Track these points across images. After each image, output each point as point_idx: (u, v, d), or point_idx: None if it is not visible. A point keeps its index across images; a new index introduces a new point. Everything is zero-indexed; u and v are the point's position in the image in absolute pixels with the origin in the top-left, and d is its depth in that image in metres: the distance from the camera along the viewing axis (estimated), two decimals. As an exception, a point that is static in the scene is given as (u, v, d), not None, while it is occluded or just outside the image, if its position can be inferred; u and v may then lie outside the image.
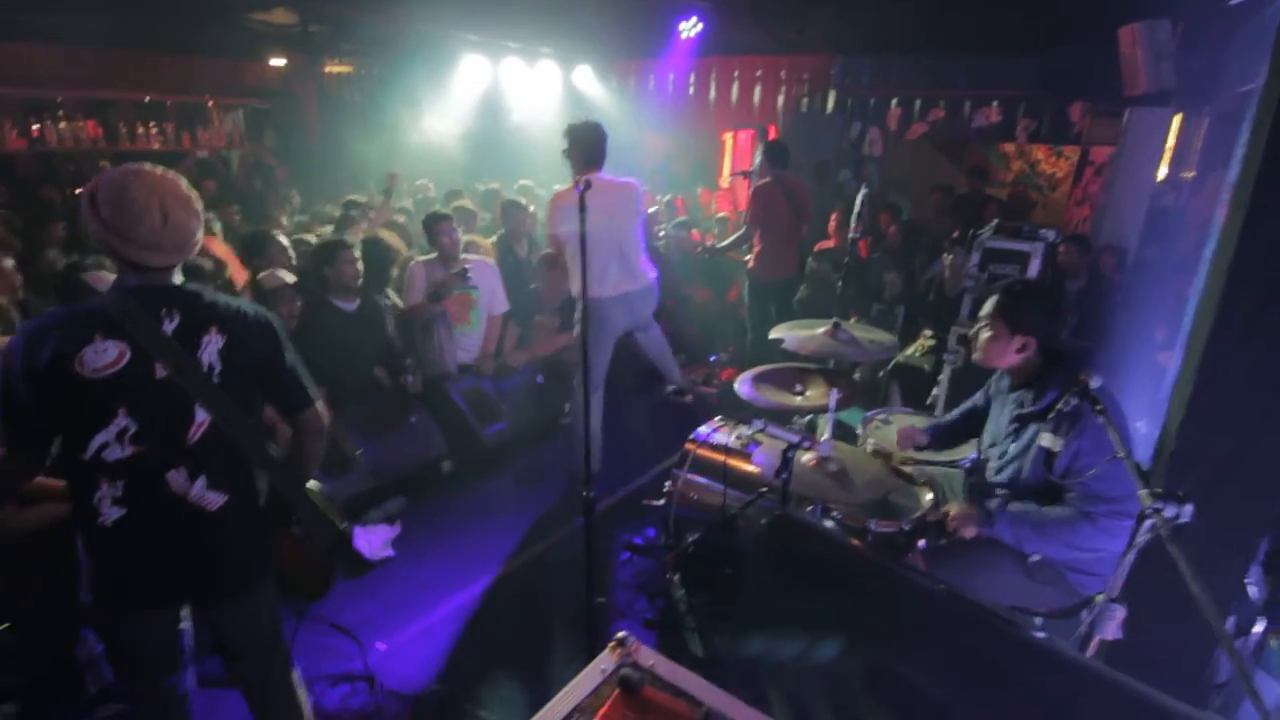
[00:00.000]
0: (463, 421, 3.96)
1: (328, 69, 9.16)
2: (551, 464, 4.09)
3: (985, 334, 2.15)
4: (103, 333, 1.47)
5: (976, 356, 2.19)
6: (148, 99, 7.78)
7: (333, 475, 3.31)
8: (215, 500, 1.59)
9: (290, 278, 3.38)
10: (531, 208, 5.59)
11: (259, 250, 3.77)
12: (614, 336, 3.68)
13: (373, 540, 3.26)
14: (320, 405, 1.78)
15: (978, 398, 2.47)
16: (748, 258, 5.01)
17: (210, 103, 8.32)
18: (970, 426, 2.46)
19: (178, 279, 1.61)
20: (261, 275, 3.33)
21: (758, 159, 4.98)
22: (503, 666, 2.64)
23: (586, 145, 3.44)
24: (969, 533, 2.10)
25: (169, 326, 1.53)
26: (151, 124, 7.56)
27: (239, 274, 3.94)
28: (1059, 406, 1.81)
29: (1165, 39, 4.62)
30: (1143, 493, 1.43)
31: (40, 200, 6.31)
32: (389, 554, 3.22)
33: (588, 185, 2.02)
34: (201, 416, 1.55)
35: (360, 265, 3.60)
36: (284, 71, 8.95)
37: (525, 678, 2.59)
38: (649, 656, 1.06)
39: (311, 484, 1.84)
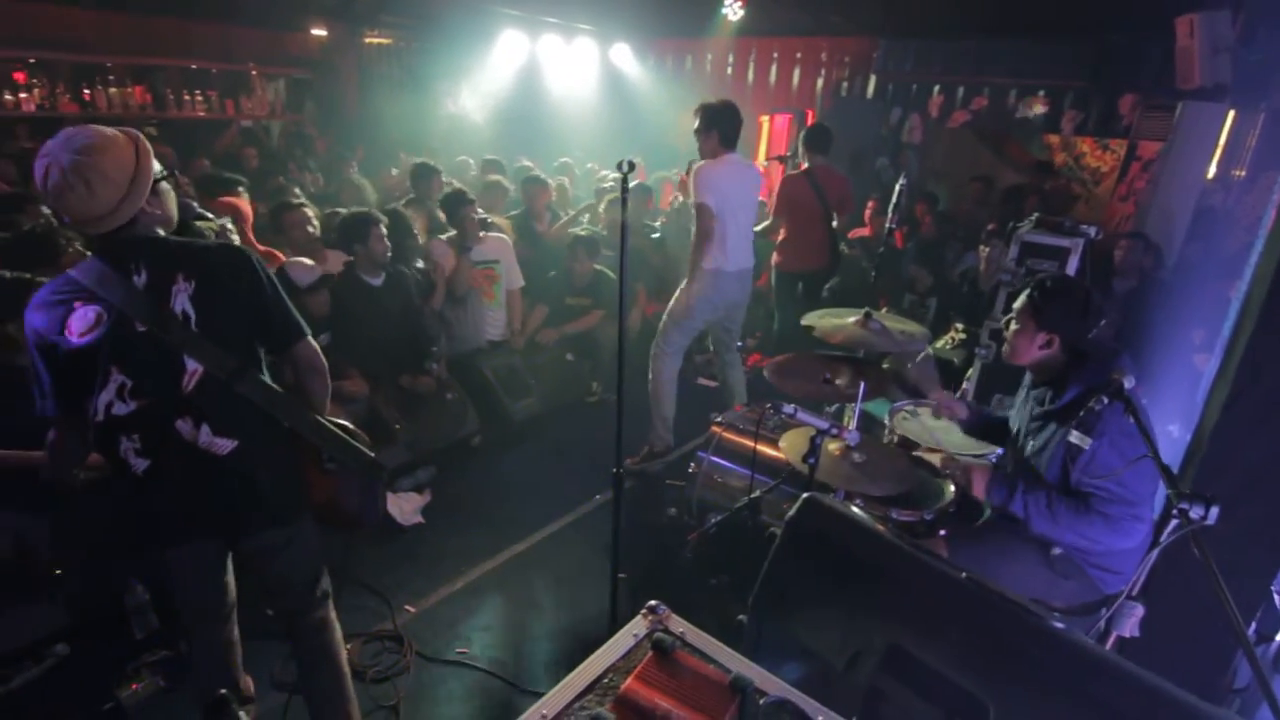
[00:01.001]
0: (493, 396, 4.05)
1: (368, 40, 9.23)
2: (578, 439, 4.16)
3: (1013, 327, 2.15)
4: (81, 299, 1.52)
5: (1005, 352, 2.19)
6: (194, 66, 7.92)
7: (373, 447, 3.40)
8: (224, 445, 1.61)
9: (319, 270, 3.36)
10: (567, 183, 5.60)
11: (282, 225, 3.82)
12: (720, 311, 3.76)
13: (404, 506, 3.40)
14: (311, 342, 1.76)
15: (1012, 414, 2.46)
16: (775, 247, 4.97)
17: (254, 72, 8.44)
18: (1001, 432, 2.44)
19: (153, 231, 1.61)
20: (288, 265, 3.31)
21: (799, 144, 4.93)
22: (526, 634, 2.73)
23: (727, 124, 3.55)
24: (979, 489, 2.10)
25: (139, 281, 1.54)
26: (197, 91, 7.70)
27: (250, 241, 3.95)
28: (1091, 405, 1.81)
29: (1224, 31, 4.46)
30: (1170, 492, 1.44)
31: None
32: (419, 520, 3.35)
33: (631, 166, 2.00)
34: (193, 366, 1.56)
35: (388, 241, 3.65)
36: (325, 42, 9.03)
37: (548, 646, 2.68)
38: (679, 624, 1.11)
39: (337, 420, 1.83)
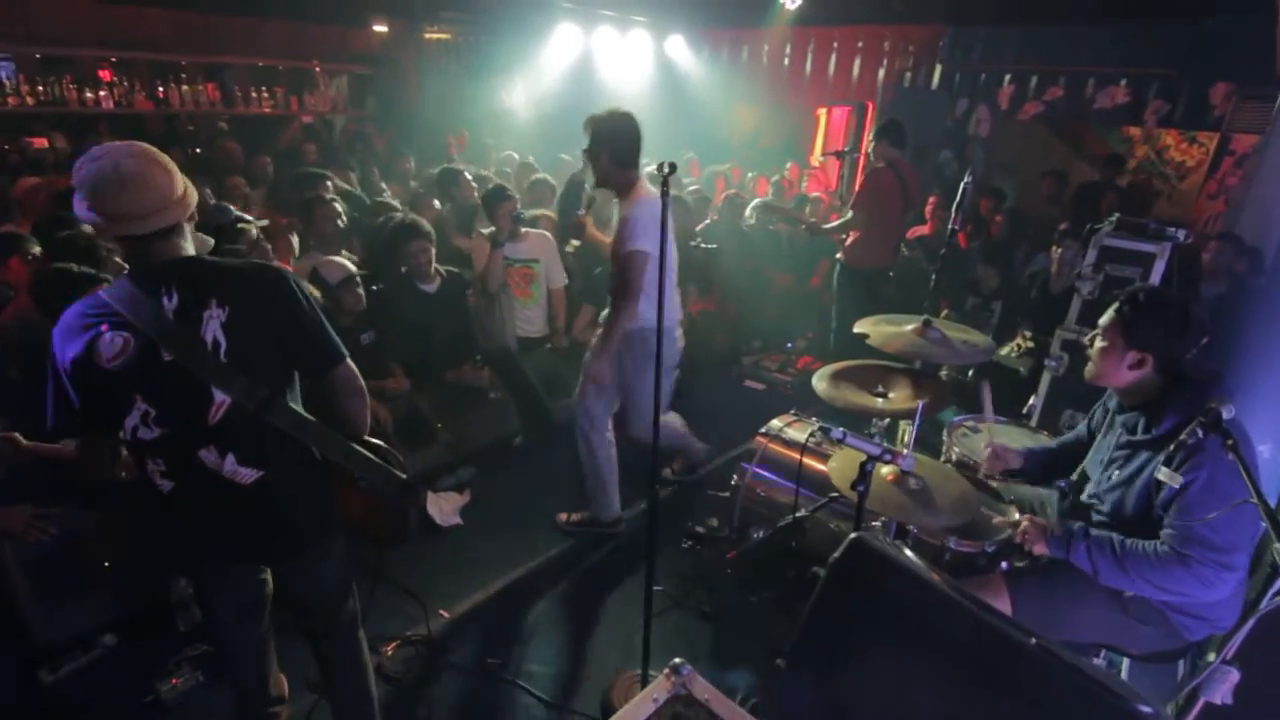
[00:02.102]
0: (534, 396, 4.01)
1: (427, 36, 9.35)
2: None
3: (1098, 345, 1.94)
4: (108, 324, 1.48)
5: (1089, 372, 1.98)
6: (261, 63, 8.17)
7: (413, 448, 3.42)
8: (248, 475, 1.57)
9: (351, 266, 3.34)
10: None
11: (307, 218, 3.83)
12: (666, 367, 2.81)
13: (444, 506, 3.39)
14: (350, 364, 1.69)
15: (1081, 429, 2.25)
16: (843, 240, 4.75)
17: (318, 68, 8.66)
18: (1071, 459, 2.24)
19: (189, 249, 1.57)
20: (319, 265, 3.31)
21: (872, 139, 4.70)
22: (559, 645, 2.67)
23: (625, 141, 2.71)
24: (1038, 549, 1.93)
25: (169, 306, 1.49)
26: (263, 88, 7.93)
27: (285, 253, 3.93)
28: (1182, 438, 1.62)
29: (1338, 13, 4.05)
30: (1277, 546, 1.26)
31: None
32: (457, 521, 3.34)
33: (672, 168, 1.88)
34: (220, 396, 1.51)
35: (431, 253, 3.65)
36: (386, 38, 9.20)
37: (579, 656, 2.62)
38: (704, 690, 1.01)
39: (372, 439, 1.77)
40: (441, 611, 2.77)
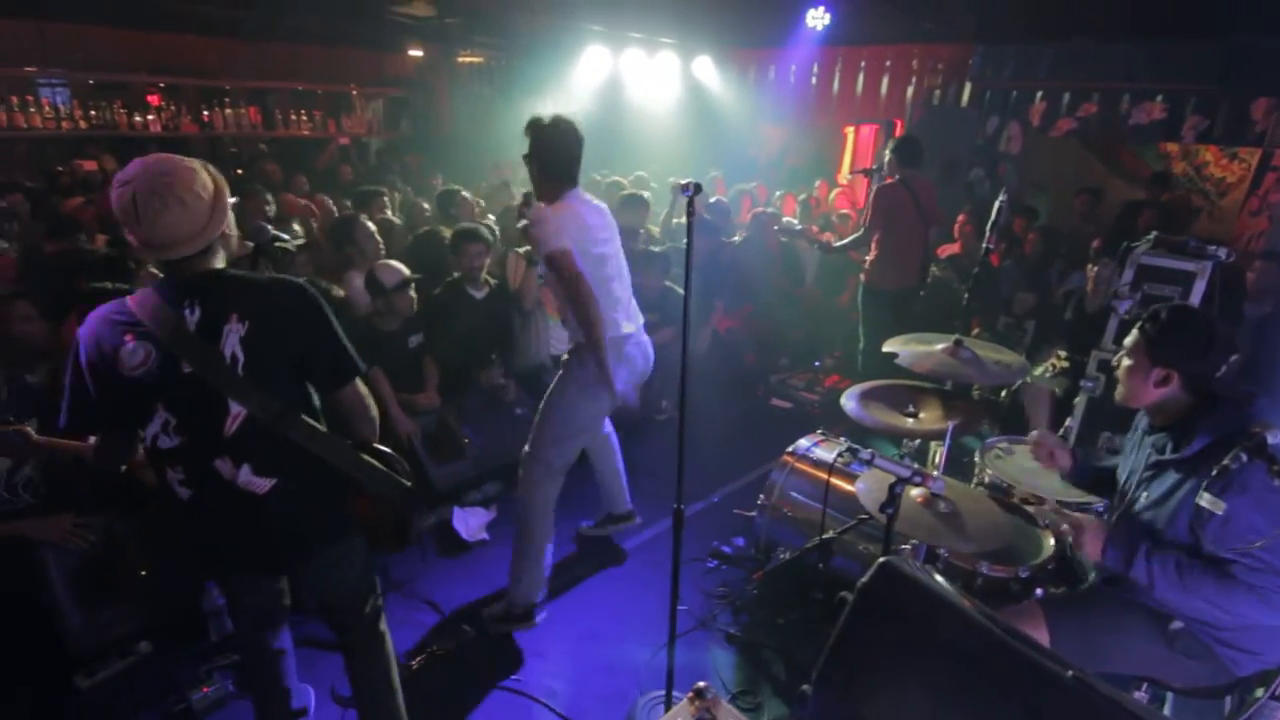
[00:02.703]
0: (560, 412, 4.03)
1: (460, 60, 9.59)
2: (646, 458, 4.06)
3: (1125, 364, 1.89)
4: (132, 334, 1.52)
5: (1119, 394, 1.93)
6: (301, 87, 8.44)
7: (441, 461, 3.45)
8: (263, 485, 1.61)
9: (406, 270, 3.42)
10: (647, 195, 5.56)
11: (346, 237, 3.92)
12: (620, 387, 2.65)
13: (470, 522, 3.40)
14: (359, 385, 1.71)
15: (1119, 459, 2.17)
16: (866, 258, 4.71)
17: (354, 92, 8.92)
18: (1110, 485, 2.16)
19: (219, 263, 1.60)
20: (376, 267, 3.40)
21: (886, 155, 4.67)
22: (581, 664, 2.65)
23: (557, 152, 2.50)
24: (1093, 550, 1.81)
25: (191, 318, 1.53)
26: (302, 111, 8.18)
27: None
28: (1226, 463, 1.56)
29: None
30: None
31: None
32: (484, 537, 3.35)
33: (697, 188, 1.88)
34: (236, 409, 1.55)
35: (487, 260, 3.74)
36: (420, 62, 9.45)
37: (602, 679, 2.59)
38: (728, 715, 1.00)
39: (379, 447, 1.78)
40: (465, 626, 2.77)
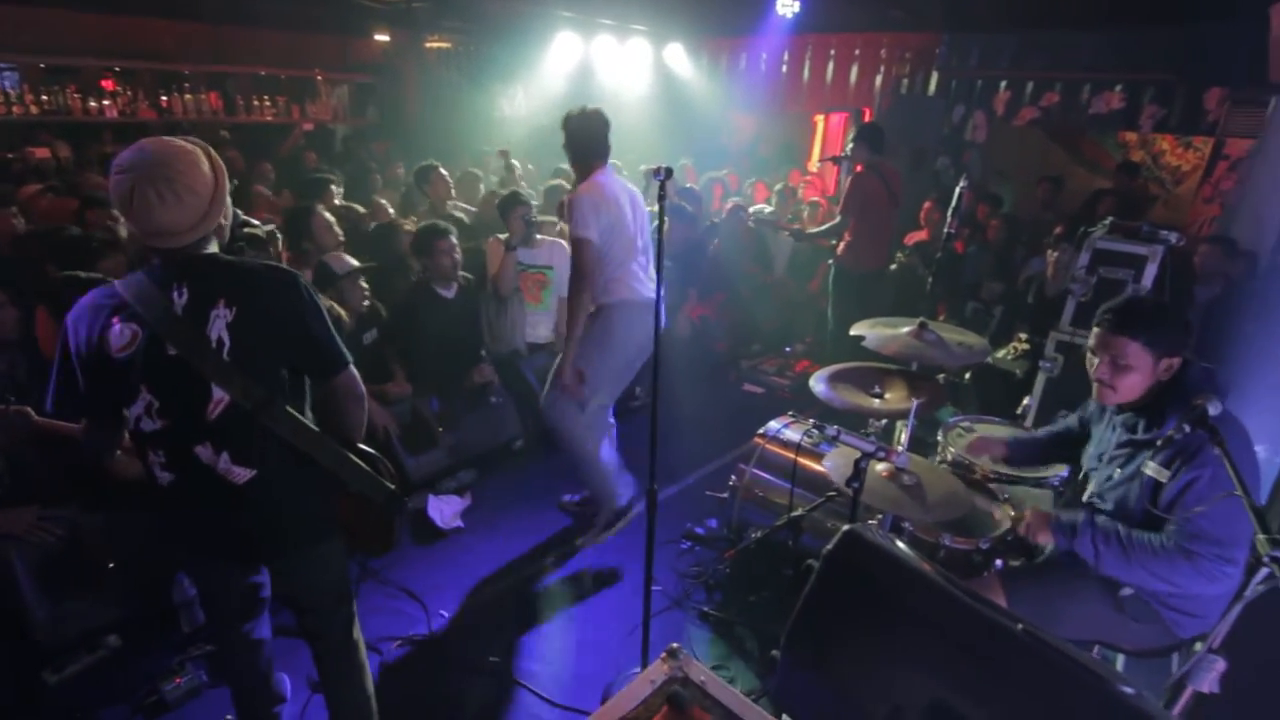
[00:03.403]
0: (533, 399, 4.04)
1: (428, 45, 9.43)
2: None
3: (1127, 373, 1.83)
4: (120, 315, 1.51)
5: (1109, 399, 1.91)
6: (263, 72, 8.24)
7: (416, 453, 3.45)
8: (242, 474, 1.59)
9: (354, 261, 3.39)
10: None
11: (301, 229, 3.79)
12: (636, 349, 3.06)
13: (445, 510, 3.41)
14: (353, 370, 1.69)
15: (1072, 421, 2.26)
16: (836, 244, 4.80)
17: (319, 77, 8.73)
18: (1059, 450, 2.26)
19: (209, 247, 1.59)
20: (327, 257, 3.35)
21: (850, 144, 4.76)
22: (558, 645, 2.69)
23: (585, 136, 2.97)
24: (1042, 539, 1.94)
25: (179, 303, 1.51)
26: (265, 97, 8.00)
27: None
28: (1170, 434, 1.64)
29: (1328, 19, 4.10)
30: (1260, 538, 1.29)
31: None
32: (459, 525, 3.36)
33: (668, 173, 1.93)
34: (219, 394, 1.53)
35: (458, 255, 3.68)
36: (387, 47, 9.28)
37: (578, 656, 2.63)
38: (699, 672, 1.03)
39: (365, 447, 1.79)
40: (442, 612, 2.79)
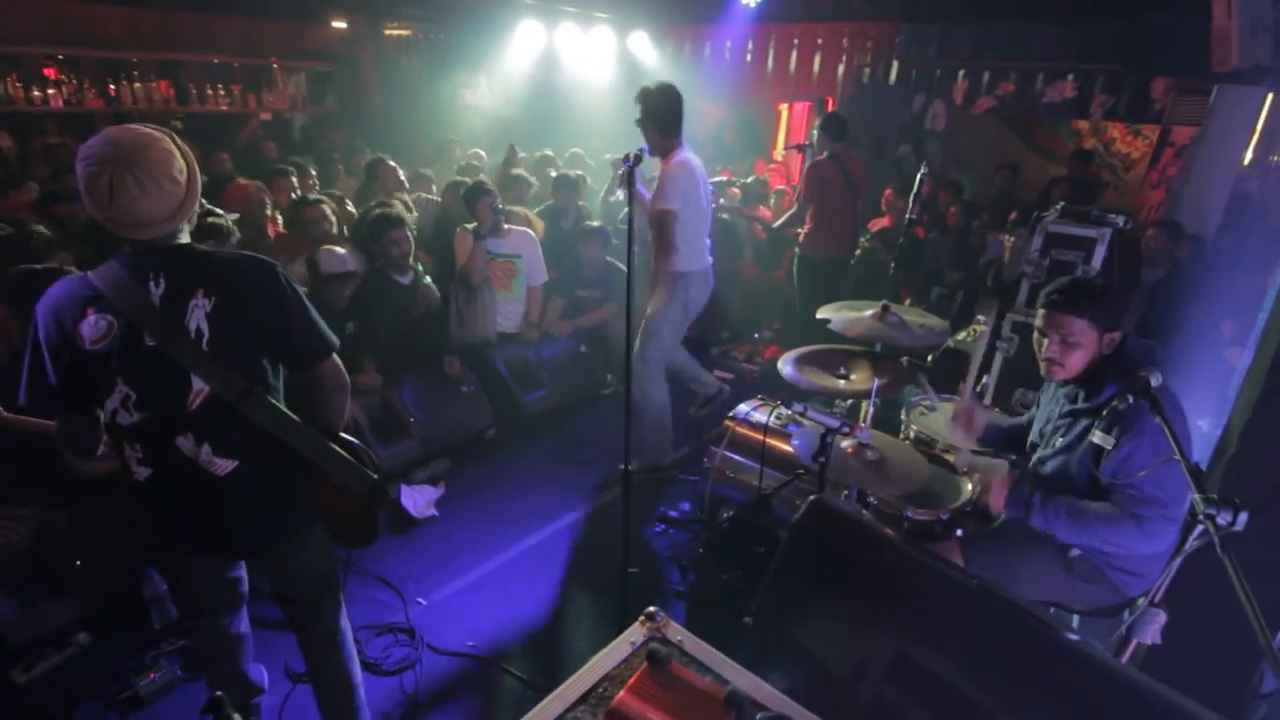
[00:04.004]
0: (505, 388, 4.05)
1: (388, 32, 9.26)
2: (592, 432, 4.15)
3: (1074, 350, 1.93)
4: (94, 306, 1.48)
5: (1058, 376, 2.00)
6: (216, 60, 8.01)
7: (387, 443, 3.44)
8: (223, 466, 1.57)
9: (350, 261, 3.37)
10: (581, 173, 5.56)
11: (301, 220, 3.82)
12: (696, 313, 3.57)
13: (418, 500, 3.41)
14: (336, 359, 1.69)
15: (1034, 411, 2.34)
16: (799, 233, 4.89)
17: (275, 65, 8.51)
18: (1019, 441, 2.34)
19: (183, 237, 1.57)
20: (319, 254, 3.32)
21: (814, 132, 4.84)
22: (536, 628, 2.73)
23: (669, 111, 3.21)
24: (996, 502, 2.00)
25: (156, 293, 1.49)
26: (219, 86, 7.78)
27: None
28: (1115, 404, 1.74)
29: (1264, 11, 4.28)
30: (1196, 497, 1.38)
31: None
32: (433, 514, 3.37)
33: (638, 159, 1.98)
34: (199, 385, 1.51)
35: (411, 243, 3.68)
36: (345, 34, 9.08)
37: (557, 640, 2.68)
38: (677, 632, 1.08)
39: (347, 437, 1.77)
40: (419, 599, 2.81)
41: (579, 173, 5.46)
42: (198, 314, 1.51)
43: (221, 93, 7.78)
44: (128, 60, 7.27)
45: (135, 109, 7.21)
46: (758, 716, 0.92)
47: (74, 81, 6.79)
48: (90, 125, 7.12)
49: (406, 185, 5.19)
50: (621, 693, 0.99)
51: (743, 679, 1.01)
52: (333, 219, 3.99)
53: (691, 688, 0.96)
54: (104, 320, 1.48)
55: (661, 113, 3.17)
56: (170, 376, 1.51)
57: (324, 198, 4.16)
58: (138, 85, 7.15)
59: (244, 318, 1.55)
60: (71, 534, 2.38)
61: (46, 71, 6.74)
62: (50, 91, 6.60)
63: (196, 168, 1.56)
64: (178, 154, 1.51)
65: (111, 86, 6.99)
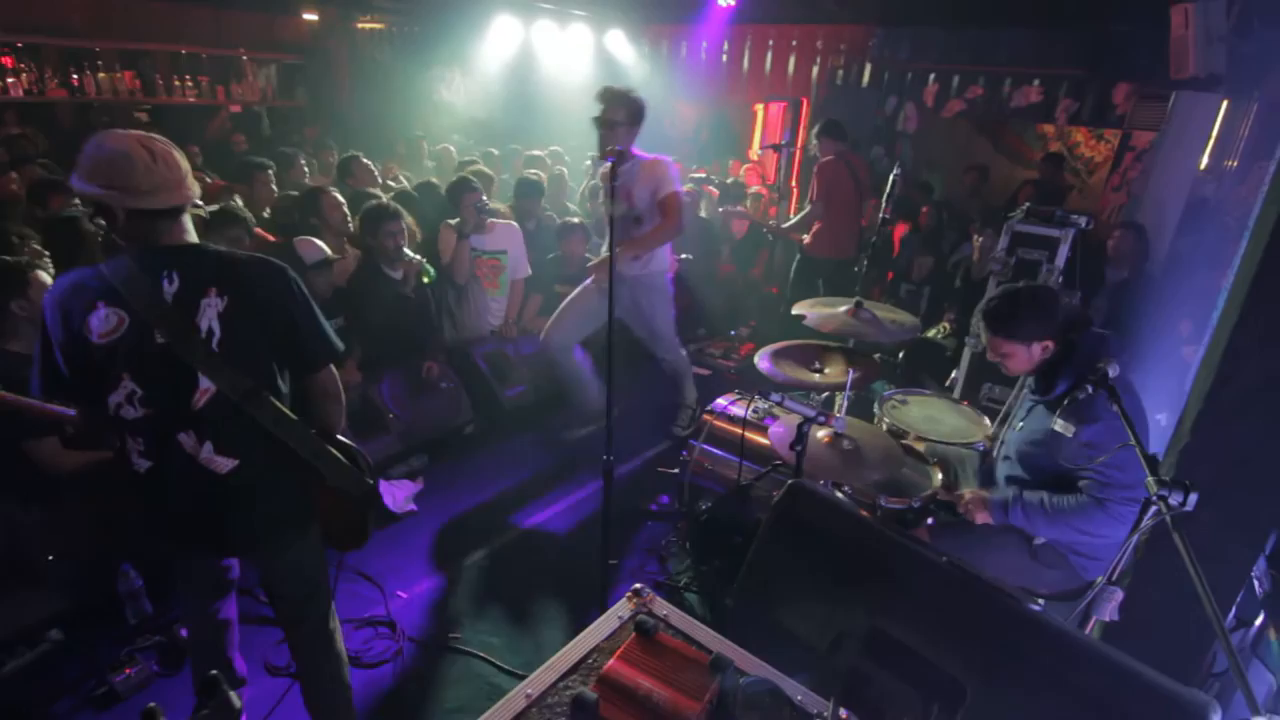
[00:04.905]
0: (484, 383, 4.06)
1: (360, 25, 9.15)
2: (570, 427, 4.17)
3: (1007, 360, 2.12)
4: (104, 300, 1.48)
5: (1010, 372, 2.17)
6: (184, 51, 7.85)
7: (365, 438, 3.42)
8: (225, 464, 1.58)
9: (328, 250, 3.35)
10: (561, 170, 5.56)
11: (312, 209, 3.76)
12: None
13: (397, 494, 3.41)
14: (333, 369, 1.72)
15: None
16: (805, 236, 4.95)
17: (244, 57, 8.37)
18: None
19: (191, 236, 1.59)
20: (297, 241, 3.31)
21: (814, 137, 4.91)
22: (517, 619, 2.75)
23: (643, 112, 3.50)
24: (980, 518, 2.14)
25: (169, 290, 1.50)
26: (187, 77, 7.63)
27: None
28: (1075, 394, 1.83)
29: (1219, 21, 4.46)
30: (1149, 480, 1.46)
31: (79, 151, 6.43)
32: (412, 508, 3.37)
33: (620, 156, 2.02)
34: (206, 384, 1.52)
35: (404, 238, 3.64)
36: (316, 27, 8.95)
37: (538, 631, 2.70)
38: (663, 607, 1.12)
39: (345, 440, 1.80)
40: (399, 592, 2.81)
41: (550, 172, 5.45)
42: (210, 313, 1.52)
43: (189, 84, 7.63)
44: (91, 50, 7.09)
45: (99, 99, 7.04)
46: (741, 681, 0.96)
47: (34, 70, 6.60)
48: (52, 115, 6.93)
49: (379, 182, 5.15)
50: (612, 660, 1.02)
51: (726, 648, 1.05)
52: (346, 209, 3.92)
53: (678, 655, 1.00)
54: (114, 314, 1.48)
55: (640, 115, 3.46)
56: (177, 374, 1.52)
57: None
58: (102, 75, 6.98)
59: (255, 319, 1.57)
60: (43, 529, 2.33)
61: (4, 60, 6.55)
62: (10, 80, 6.41)
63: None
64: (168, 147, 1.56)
65: (75, 76, 6.81)
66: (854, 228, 4.92)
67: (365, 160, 5.09)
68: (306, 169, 5.11)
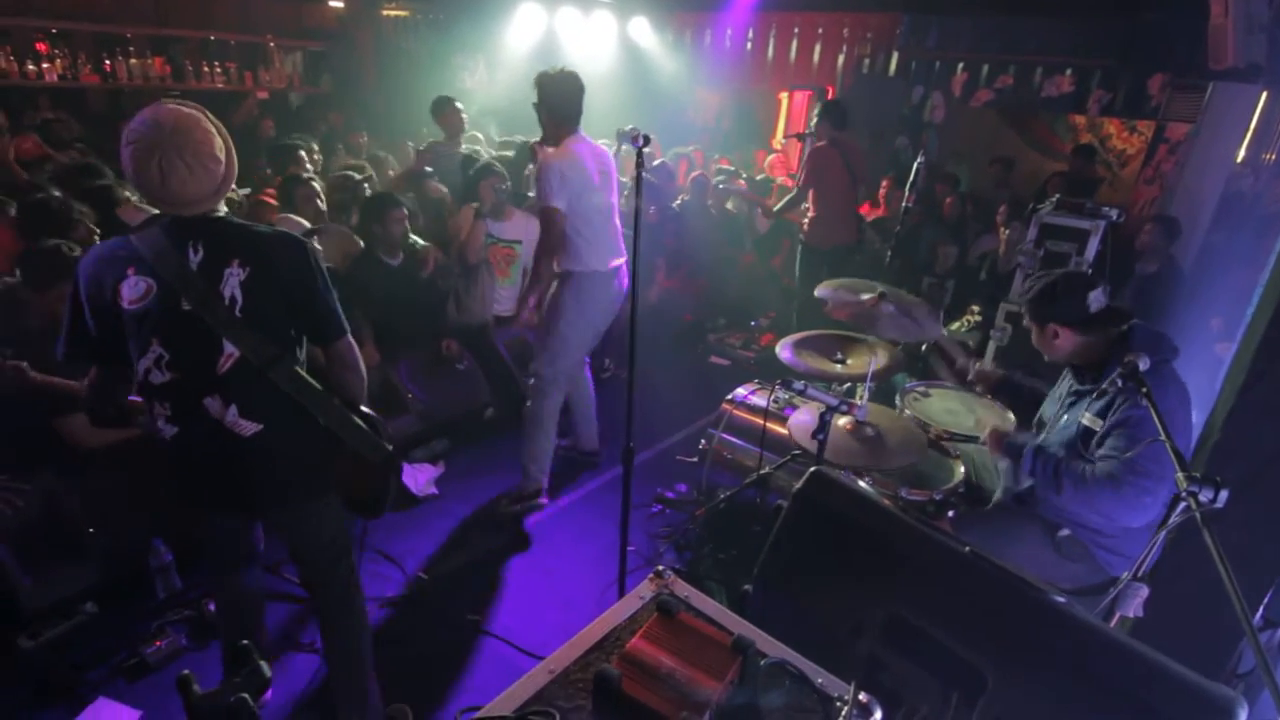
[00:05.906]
0: (505, 370, 4.08)
1: (385, 13, 9.19)
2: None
3: (1034, 334, 2.18)
4: (134, 268, 1.56)
5: (1051, 357, 2.20)
6: (212, 37, 7.94)
7: (386, 419, 3.46)
8: (249, 428, 1.64)
9: (305, 224, 3.44)
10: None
11: (286, 196, 3.84)
12: (603, 316, 3.19)
13: (419, 478, 3.45)
14: (351, 341, 1.76)
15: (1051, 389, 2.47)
16: (804, 221, 4.91)
17: (271, 43, 8.44)
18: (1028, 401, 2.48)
19: (220, 210, 1.64)
20: (279, 220, 3.38)
21: (814, 119, 4.86)
22: (536, 603, 2.78)
23: (564, 100, 2.91)
24: (993, 445, 2.16)
25: (194, 259, 1.57)
26: (215, 63, 7.72)
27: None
28: (1104, 386, 1.80)
29: (1260, 9, 4.33)
30: (1179, 475, 1.44)
31: (115, 136, 6.54)
32: (434, 492, 3.41)
33: (646, 140, 2.01)
34: (230, 349, 1.59)
35: (407, 223, 3.71)
36: (342, 14, 9.01)
37: (557, 615, 2.73)
38: (684, 589, 1.13)
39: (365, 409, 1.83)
40: (421, 574, 2.85)
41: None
42: (232, 282, 1.58)
43: (218, 70, 7.72)
44: (121, 35, 7.20)
45: (130, 85, 7.15)
46: (762, 661, 0.97)
47: (68, 56, 6.72)
48: (84, 101, 7.06)
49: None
50: (634, 639, 1.04)
51: (746, 630, 1.06)
52: (323, 198, 4.00)
53: (700, 635, 1.01)
54: (144, 282, 1.56)
55: (557, 100, 2.90)
56: (203, 340, 1.58)
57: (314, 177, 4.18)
58: (133, 61, 7.08)
59: (274, 288, 1.63)
60: (82, 502, 2.40)
61: (39, 46, 6.67)
62: (44, 66, 6.53)
63: (231, 145, 1.63)
64: (215, 133, 1.58)
65: (107, 62, 6.92)
66: (848, 214, 4.87)
67: (301, 152, 4.89)
68: (309, 166, 5.07)
